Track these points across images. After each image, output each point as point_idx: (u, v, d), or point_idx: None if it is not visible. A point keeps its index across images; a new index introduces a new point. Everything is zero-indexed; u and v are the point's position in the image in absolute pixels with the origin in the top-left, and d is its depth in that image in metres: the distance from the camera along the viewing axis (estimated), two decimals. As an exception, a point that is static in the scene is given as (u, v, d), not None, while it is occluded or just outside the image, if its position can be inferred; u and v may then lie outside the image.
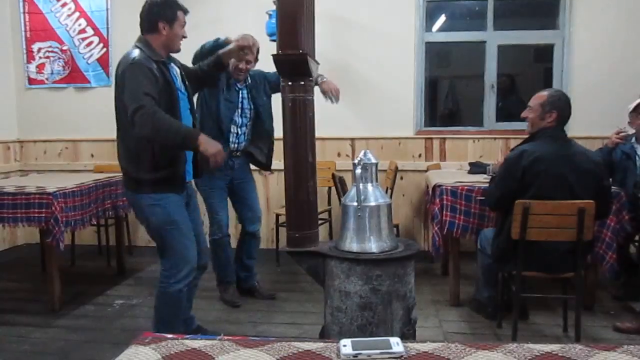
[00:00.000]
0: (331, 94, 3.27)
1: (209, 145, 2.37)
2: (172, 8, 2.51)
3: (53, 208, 3.15)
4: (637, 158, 3.47)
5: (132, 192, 2.56)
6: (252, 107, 3.51)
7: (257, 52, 3.37)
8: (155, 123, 2.30)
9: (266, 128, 3.57)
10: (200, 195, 3.29)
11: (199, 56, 3.32)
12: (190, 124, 2.66)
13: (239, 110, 3.46)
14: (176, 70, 2.62)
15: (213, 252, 3.51)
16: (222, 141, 3.29)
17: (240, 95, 3.46)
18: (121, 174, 2.62)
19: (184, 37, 2.59)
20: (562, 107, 2.76)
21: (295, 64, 2.14)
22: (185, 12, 2.57)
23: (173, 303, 2.61)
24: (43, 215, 3.17)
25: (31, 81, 5.11)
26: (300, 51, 2.12)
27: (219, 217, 3.50)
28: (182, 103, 2.56)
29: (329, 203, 4.60)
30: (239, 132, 3.50)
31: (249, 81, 3.50)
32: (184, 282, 2.59)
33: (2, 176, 4.73)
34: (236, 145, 3.51)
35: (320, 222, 4.22)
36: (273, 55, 2.15)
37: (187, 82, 2.68)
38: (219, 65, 2.83)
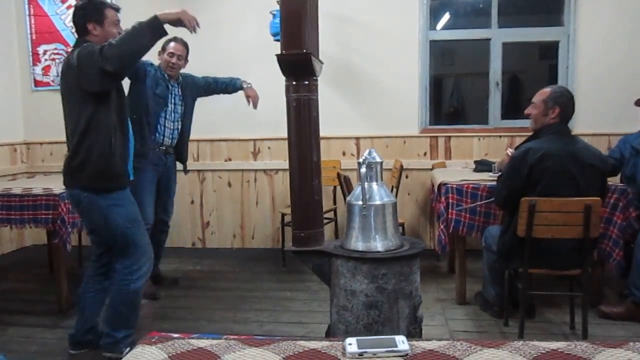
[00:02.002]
0: (252, 100, 3.79)
1: (170, 15, 2.37)
2: (99, 8, 2.54)
3: (60, 209, 3.16)
4: None
5: (88, 193, 2.51)
6: (182, 104, 3.69)
7: (187, 53, 3.63)
8: (119, 44, 2.32)
9: (184, 128, 3.74)
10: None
11: (215, 87, 3.85)
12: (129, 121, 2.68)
13: (172, 106, 3.62)
14: None
15: None
16: (149, 135, 3.48)
17: (172, 92, 3.62)
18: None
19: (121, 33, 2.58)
20: (565, 102, 2.75)
21: (299, 64, 2.14)
22: (117, 9, 2.61)
23: (134, 300, 2.65)
24: (50, 216, 3.19)
25: (37, 83, 5.13)
26: (304, 51, 2.12)
27: (147, 212, 3.51)
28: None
29: (335, 202, 4.60)
30: (172, 128, 3.65)
31: (180, 79, 3.68)
32: (145, 278, 2.64)
33: (9, 178, 4.77)
34: (170, 141, 3.66)
35: (325, 221, 4.22)
36: (277, 55, 2.15)
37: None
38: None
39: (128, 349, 2.59)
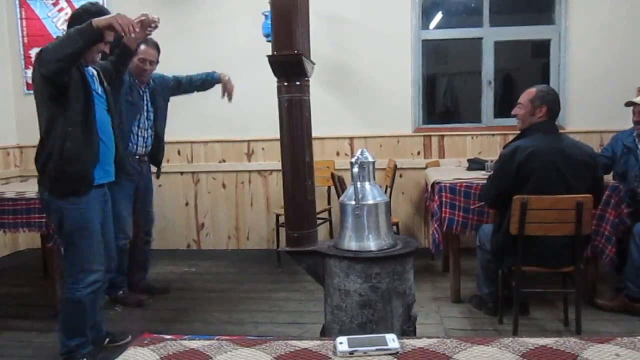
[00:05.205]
0: (228, 92, 3.59)
1: (103, 20, 2.24)
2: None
3: (53, 213, 3.15)
4: (638, 152, 3.45)
5: (47, 193, 2.50)
6: (154, 110, 3.49)
7: (159, 54, 3.41)
8: (52, 49, 2.28)
9: (158, 132, 3.55)
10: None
11: (187, 85, 3.62)
12: (109, 124, 2.63)
13: (145, 113, 3.43)
14: (92, 72, 2.61)
15: (121, 258, 3.36)
16: (125, 144, 3.27)
17: (145, 99, 3.44)
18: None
19: (104, 51, 2.58)
20: (551, 101, 2.79)
21: (290, 65, 2.15)
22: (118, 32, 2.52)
23: (82, 309, 2.59)
24: (43, 220, 3.17)
25: (29, 87, 5.11)
26: (295, 51, 2.12)
27: (126, 224, 3.39)
28: (97, 104, 2.53)
29: (329, 202, 4.60)
30: (146, 135, 3.46)
31: (151, 84, 3.48)
32: (92, 287, 2.58)
33: (2, 182, 4.74)
34: (144, 149, 3.47)
35: (320, 221, 4.23)
36: (268, 56, 2.15)
37: (105, 84, 2.67)
38: (125, 51, 2.79)
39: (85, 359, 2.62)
